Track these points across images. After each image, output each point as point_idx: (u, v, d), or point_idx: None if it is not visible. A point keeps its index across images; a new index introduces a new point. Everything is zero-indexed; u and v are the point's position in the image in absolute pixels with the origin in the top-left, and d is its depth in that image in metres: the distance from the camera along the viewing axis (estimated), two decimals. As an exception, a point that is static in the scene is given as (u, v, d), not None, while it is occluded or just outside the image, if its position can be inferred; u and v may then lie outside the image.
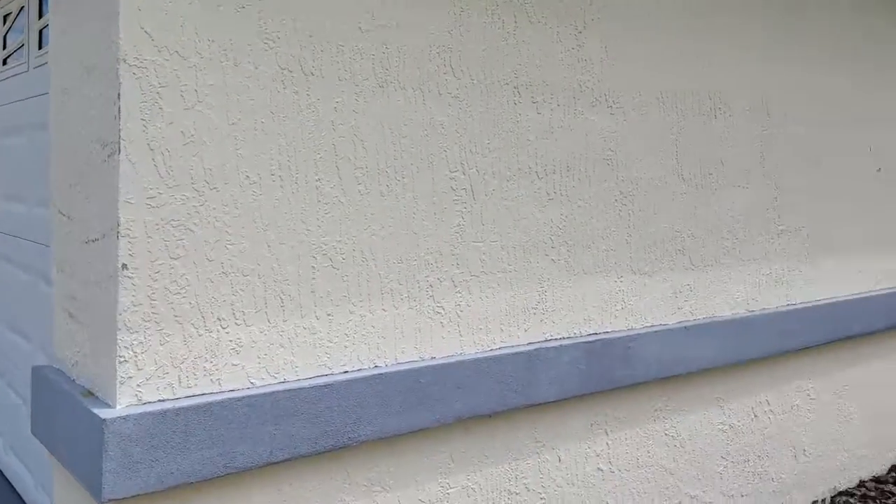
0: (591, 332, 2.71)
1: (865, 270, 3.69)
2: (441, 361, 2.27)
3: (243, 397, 1.83)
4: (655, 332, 2.83)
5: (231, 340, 1.84)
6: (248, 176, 1.84)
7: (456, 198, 2.29)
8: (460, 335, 2.35)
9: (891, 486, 3.84)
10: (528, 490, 2.57)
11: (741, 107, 3.05)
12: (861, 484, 3.88)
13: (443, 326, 2.30)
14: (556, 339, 2.60)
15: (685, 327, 2.93)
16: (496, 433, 2.48)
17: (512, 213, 2.43)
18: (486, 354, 2.38)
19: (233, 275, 1.83)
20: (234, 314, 1.84)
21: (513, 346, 2.48)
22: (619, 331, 2.77)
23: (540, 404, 2.54)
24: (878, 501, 3.66)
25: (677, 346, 2.91)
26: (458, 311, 2.33)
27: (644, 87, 2.73)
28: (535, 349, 2.50)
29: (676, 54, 2.81)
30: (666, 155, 2.83)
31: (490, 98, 2.33)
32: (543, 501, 2.61)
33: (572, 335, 2.65)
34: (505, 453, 2.51)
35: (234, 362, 1.85)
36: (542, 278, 2.55)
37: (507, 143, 2.40)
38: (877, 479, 3.92)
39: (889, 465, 4.07)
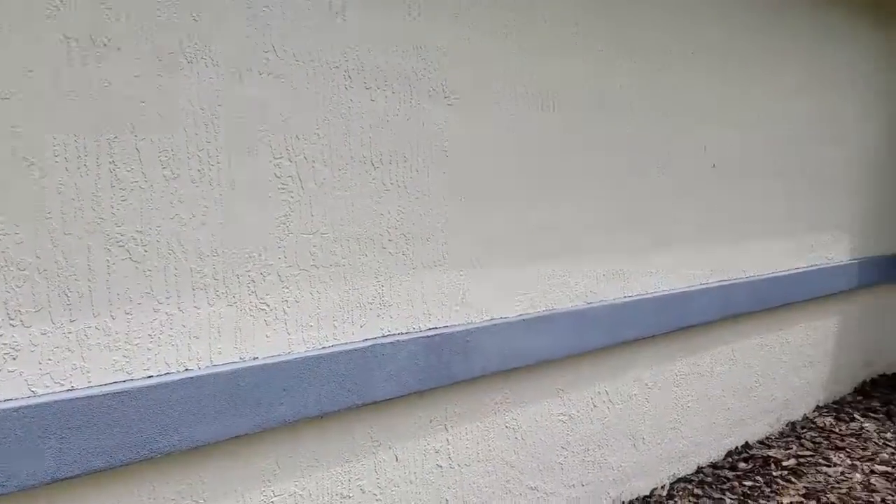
0: (431, 326, 2.64)
1: (700, 263, 3.85)
2: (265, 362, 2.12)
3: (21, 408, 1.61)
4: (495, 325, 2.81)
5: (6, 344, 1.62)
6: (24, 157, 1.62)
7: (282, 186, 2.15)
8: (288, 333, 2.21)
9: (727, 471, 4.04)
10: (363, 492, 2.47)
11: (580, 104, 3.08)
12: (699, 470, 4.05)
13: (267, 324, 2.16)
14: (393, 334, 2.52)
15: (525, 320, 2.92)
16: (328, 435, 2.36)
17: (345, 204, 2.32)
18: (316, 353, 2.25)
19: (6, 269, 1.61)
20: (8, 314, 1.62)
21: (347, 343, 2.37)
22: (459, 325, 2.72)
23: (376, 402, 2.45)
24: (714, 487, 3.83)
25: (517, 338, 2.90)
26: (286, 308, 2.20)
27: (482, 79, 2.68)
28: (371, 345, 2.40)
29: (514, 47, 2.79)
30: (505, 148, 2.80)
31: (318, 81, 2.20)
32: (379, 503, 2.52)
33: (411, 330, 2.57)
34: (338, 455, 2.39)
35: (10, 368, 1.63)
36: (378, 272, 2.45)
37: (339, 130, 2.28)
38: (714, 465, 4.11)
39: (725, 451, 4.28)
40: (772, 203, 4.34)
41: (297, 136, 2.17)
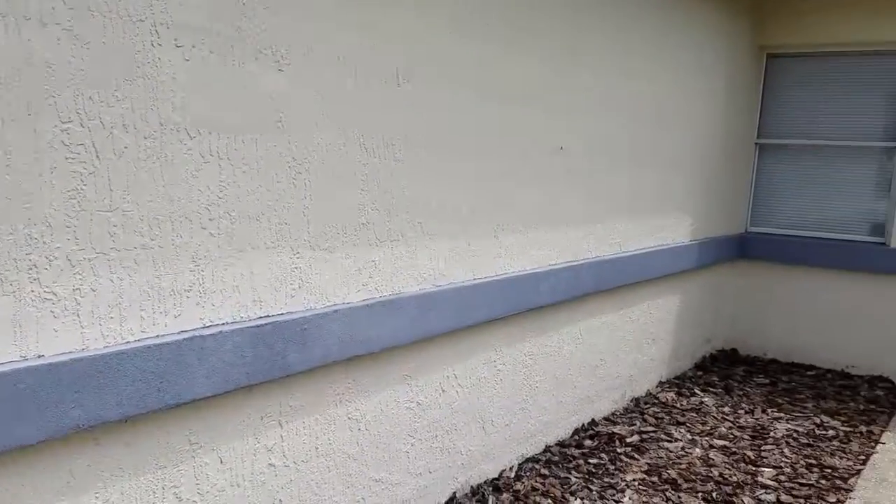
0: (262, 314, 2.41)
1: (548, 245, 3.83)
2: (52, 360, 1.83)
3: None
4: (337, 311, 2.62)
5: None
6: None
7: (71, 155, 1.85)
8: (82, 327, 1.92)
9: (573, 449, 4.07)
10: (180, 500, 2.22)
11: (426, 78, 2.92)
12: (547, 449, 4.06)
13: (55, 317, 1.85)
14: (216, 324, 2.27)
15: (369, 305, 2.75)
16: (137, 440, 2.09)
17: (154, 177, 2.04)
18: (119, 348, 1.97)
19: None
20: None
21: (158, 337, 2.10)
22: (295, 312, 2.51)
23: (196, 401, 2.20)
24: (561, 466, 3.84)
25: (361, 324, 2.72)
26: (78, 297, 1.90)
27: (319, 44, 2.46)
28: (189, 338, 2.14)
29: (355, 16, 2.58)
30: (346, 121, 2.60)
31: (117, 35, 1.90)
32: (200, 511, 2.28)
33: (238, 319, 2.34)
34: (150, 462, 2.13)
35: None
36: (197, 255, 2.19)
37: (145, 93, 1.99)
38: (561, 444, 4.14)
39: (572, 429, 4.32)
40: (618, 186, 4.39)
41: (90, 98, 1.87)
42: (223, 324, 2.29)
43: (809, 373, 5.74)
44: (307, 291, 2.56)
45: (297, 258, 2.51)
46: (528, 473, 3.75)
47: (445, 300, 3.12)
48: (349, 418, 2.80)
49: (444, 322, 3.14)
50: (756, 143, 6.19)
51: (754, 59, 6.05)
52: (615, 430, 4.34)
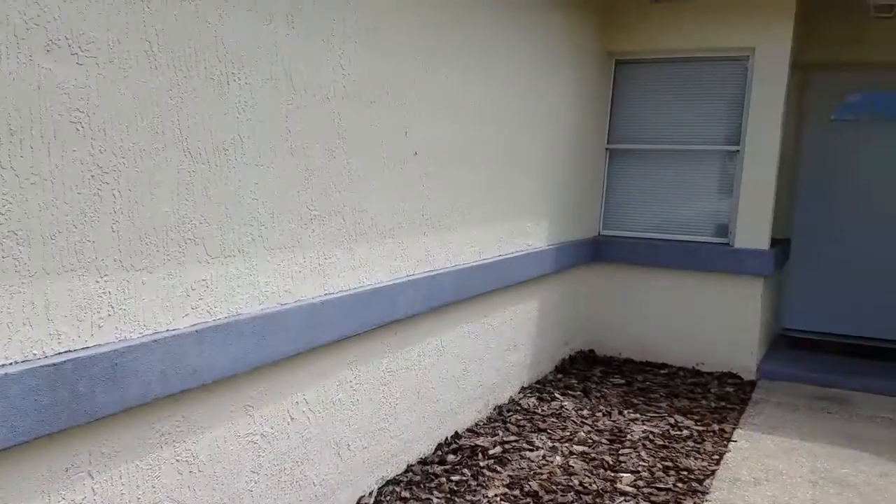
0: (62, 350, 2.05)
1: (405, 254, 3.64)
2: None
3: None
4: (159, 340, 2.29)
5: None
6: None
7: None
8: None
9: (436, 466, 3.89)
10: (-44, 583, 1.84)
11: (261, 78, 2.64)
12: (409, 468, 3.87)
13: None
14: (1, 365, 1.89)
15: (200, 331, 2.44)
16: None
17: None
18: None
19: None
20: None
21: (-81, 386, 1.71)
22: (104, 344, 2.16)
23: (-24, 458, 1.83)
24: (422, 486, 3.65)
25: (190, 353, 2.41)
26: None
27: (124, 34, 2.13)
28: (-37, 384, 1.77)
29: (174, 4, 2.27)
30: (164, 123, 2.28)
31: None
32: (-16, 591, 1.90)
33: (30, 357, 1.97)
34: (-89, 540, 1.74)
35: None
36: (-27, 284, 1.81)
37: None
38: (423, 461, 3.96)
39: (435, 444, 4.15)
40: (476, 192, 4.28)
41: None
42: (10, 364, 1.92)
43: (662, 371, 5.89)
44: (120, 320, 2.22)
45: (106, 281, 2.17)
46: (388, 498, 3.53)
47: (293, 320, 2.85)
48: (178, 460, 2.48)
49: (292, 344, 2.86)
50: (607, 148, 6.30)
51: (604, 65, 6.15)
52: (478, 443, 4.21)
